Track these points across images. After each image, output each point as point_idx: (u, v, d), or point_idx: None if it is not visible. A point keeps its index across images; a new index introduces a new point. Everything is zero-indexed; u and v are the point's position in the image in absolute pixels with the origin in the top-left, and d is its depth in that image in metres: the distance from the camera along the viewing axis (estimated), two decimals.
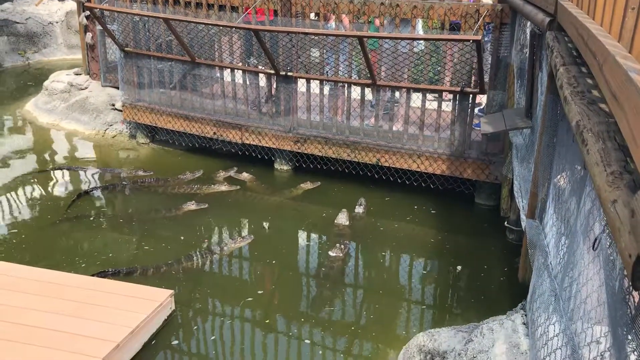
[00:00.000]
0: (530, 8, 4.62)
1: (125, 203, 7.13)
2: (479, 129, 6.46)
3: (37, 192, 7.30)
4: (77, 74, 10.03)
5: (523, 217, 4.87)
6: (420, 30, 7.41)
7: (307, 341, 4.66)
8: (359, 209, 6.73)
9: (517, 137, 5.68)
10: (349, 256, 5.95)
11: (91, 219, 6.55)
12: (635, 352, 1.97)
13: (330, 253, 5.83)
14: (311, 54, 7.28)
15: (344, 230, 6.31)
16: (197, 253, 5.71)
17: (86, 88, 9.76)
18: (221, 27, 7.57)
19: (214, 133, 8.13)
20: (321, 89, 7.34)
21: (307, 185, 7.34)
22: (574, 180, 3.39)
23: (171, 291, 4.79)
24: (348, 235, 6.23)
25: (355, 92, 7.23)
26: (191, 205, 6.68)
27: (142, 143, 8.86)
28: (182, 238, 6.09)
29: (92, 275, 5.19)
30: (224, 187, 7.12)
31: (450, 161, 6.82)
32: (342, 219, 6.45)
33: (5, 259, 5.41)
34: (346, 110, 7.32)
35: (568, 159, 3.55)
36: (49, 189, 7.40)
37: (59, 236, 6.16)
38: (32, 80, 11.98)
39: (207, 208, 6.68)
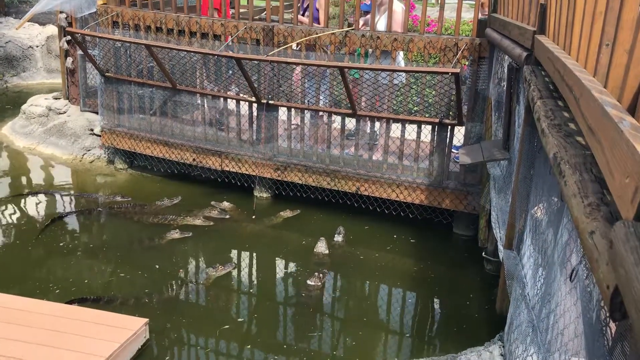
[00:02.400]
0: (508, 42, 4.73)
1: (102, 230, 7.02)
2: (457, 161, 6.54)
3: (11, 216, 7.17)
4: (56, 98, 9.94)
5: (501, 247, 4.91)
6: (401, 62, 7.52)
7: None
8: (338, 238, 6.72)
9: (494, 168, 5.75)
10: (328, 285, 5.91)
11: (66, 245, 6.43)
12: None
13: (309, 282, 5.79)
14: (293, 82, 7.34)
15: (323, 258, 6.28)
16: (177, 282, 5.64)
17: (65, 112, 9.67)
18: (203, 55, 7.61)
19: (194, 159, 8.09)
20: (302, 118, 7.38)
21: (287, 214, 7.31)
22: (551, 211, 3.43)
23: (146, 320, 4.70)
24: (327, 263, 6.21)
25: (336, 121, 7.28)
26: (175, 234, 6.61)
27: (120, 168, 8.77)
28: (157, 267, 6.00)
29: (71, 301, 5.10)
30: (198, 221, 7.00)
31: (429, 191, 6.87)
32: (322, 247, 6.42)
33: None
34: (327, 139, 7.36)
35: (545, 190, 3.60)
36: (23, 213, 7.27)
37: (32, 262, 6.03)
38: (9, 104, 11.83)
39: (190, 237, 6.61)
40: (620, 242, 1.10)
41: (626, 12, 1.87)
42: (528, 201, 4.12)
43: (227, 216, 7.19)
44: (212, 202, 7.52)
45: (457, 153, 6.56)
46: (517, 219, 4.34)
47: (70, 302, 5.12)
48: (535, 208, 3.88)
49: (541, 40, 3.52)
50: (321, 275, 5.88)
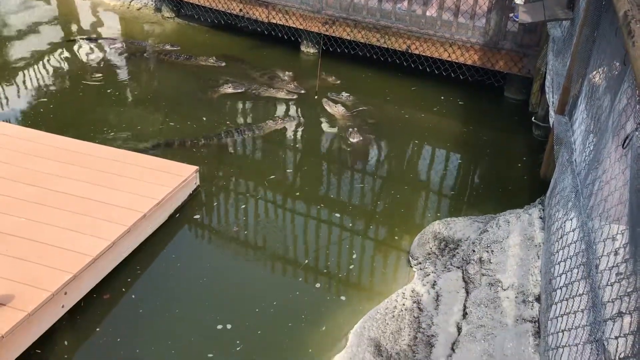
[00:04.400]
0: None
1: (153, 78, 7.12)
2: (517, 20, 6.17)
3: (65, 61, 7.29)
4: None
5: (552, 113, 4.78)
6: None
7: (325, 222, 4.80)
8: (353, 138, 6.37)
9: (555, 29, 5.44)
10: (372, 143, 5.96)
11: (118, 91, 6.59)
12: None
13: (351, 139, 5.85)
14: None
15: (368, 118, 6.28)
16: (230, 132, 5.79)
17: None
18: None
19: (240, 10, 7.89)
20: None
21: (332, 80, 7.10)
22: (610, 76, 3.27)
23: (196, 167, 4.90)
24: (374, 123, 6.21)
25: None
26: (228, 88, 6.63)
27: (168, 17, 8.67)
28: (209, 117, 6.13)
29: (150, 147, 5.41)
30: (281, 94, 6.68)
31: (483, 51, 6.60)
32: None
33: (34, 127, 5.51)
34: None
35: (608, 53, 3.41)
36: (76, 58, 7.38)
37: (86, 107, 6.23)
38: None
39: (241, 92, 6.65)
40: None
41: None
42: (587, 65, 3.93)
43: (302, 91, 6.76)
44: (278, 73, 7.20)
45: (516, 12, 6.18)
46: (574, 84, 4.17)
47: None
48: (594, 72, 3.70)
49: None
50: (361, 133, 5.92)
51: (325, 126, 6.07)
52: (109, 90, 6.56)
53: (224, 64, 7.27)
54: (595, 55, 3.76)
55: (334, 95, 6.60)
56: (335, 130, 6.04)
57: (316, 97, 6.55)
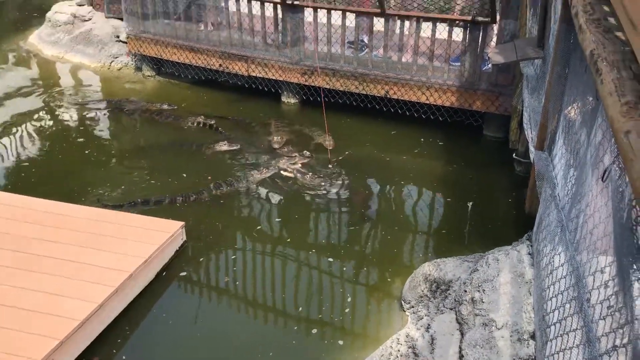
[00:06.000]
0: None
1: (147, 135, 7.12)
2: (489, 60, 6.33)
3: (47, 124, 7.30)
4: (79, 5, 9.81)
5: (532, 148, 4.85)
6: None
7: (316, 268, 4.77)
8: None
9: (528, 67, 5.57)
10: (356, 186, 5.98)
11: (106, 150, 6.59)
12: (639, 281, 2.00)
13: (336, 183, 5.88)
14: None
15: (347, 162, 6.33)
16: (214, 185, 5.78)
17: (90, 19, 9.57)
18: None
19: (220, 65, 8.02)
20: (329, 19, 7.16)
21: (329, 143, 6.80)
22: (585, 111, 3.34)
23: (182, 222, 4.87)
24: (353, 165, 6.25)
25: (364, 22, 7.06)
26: (223, 146, 6.63)
27: (148, 75, 8.77)
28: (198, 172, 6.13)
29: (115, 206, 5.32)
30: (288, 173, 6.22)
31: (460, 92, 6.74)
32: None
33: (15, 191, 5.47)
34: (355, 41, 7.17)
35: (580, 89, 3.49)
36: (59, 121, 7.39)
37: (70, 168, 6.21)
38: (35, 12, 11.73)
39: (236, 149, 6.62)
40: None
41: None
42: (562, 101, 4.02)
43: (304, 157, 6.45)
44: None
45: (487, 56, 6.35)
46: (550, 120, 4.26)
47: (113, 207, 5.32)
48: (569, 108, 3.78)
49: None
50: (345, 178, 5.97)
51: (309, 176, 6.08)
52: (93, 151, 6.56)
53: (213, 121, 7.25)
54: (569, 91, 3.85)
55: (299, 153, 6.51)
56: (320, 176, 6.06)
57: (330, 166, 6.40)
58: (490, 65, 6.44)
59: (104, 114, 7.58)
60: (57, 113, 7.60)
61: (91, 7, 9.75)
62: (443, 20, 6.67)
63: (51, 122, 7.37)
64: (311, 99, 7.63)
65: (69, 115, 7.52)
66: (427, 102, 6.93)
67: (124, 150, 6.74)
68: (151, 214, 5.12)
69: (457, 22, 6.56)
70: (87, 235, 4.62)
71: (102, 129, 7.23)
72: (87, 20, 9.58)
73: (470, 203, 5.69)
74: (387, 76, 7.02)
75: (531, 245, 4.22)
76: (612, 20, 2.37)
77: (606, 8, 2.54)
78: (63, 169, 6.21)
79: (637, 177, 1.23)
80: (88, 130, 7.12)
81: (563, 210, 3.42)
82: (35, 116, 7.47)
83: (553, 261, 3.30)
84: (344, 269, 4.76)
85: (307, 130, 7.09)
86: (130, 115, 7.48)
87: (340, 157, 6.44)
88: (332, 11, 7.10)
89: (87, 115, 7.51)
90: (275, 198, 5.77)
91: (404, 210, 5.69)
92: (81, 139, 6.85)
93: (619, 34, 2.17)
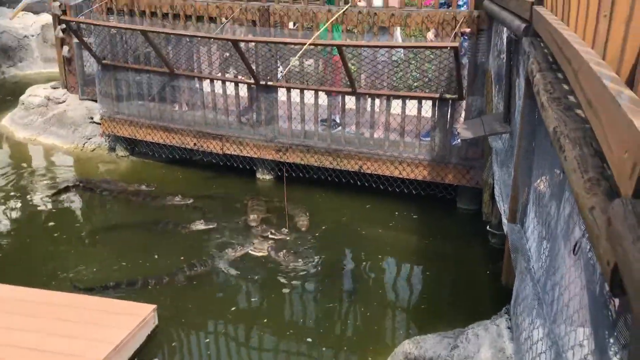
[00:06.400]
0: (507, 14, 4.68)
1: (123, 216, 7.03)
2: (458, 136, 6.50)
3: (18, 206, 7.18)
4: (54, 88, 9.92)
5: (505, 221, 4.90)
6: (399, 38, 7.44)
7: (293, 351, 4.63)
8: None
9: (496, 141, 5.73)
10: (331, 262, 5.93)
11: (79, 232, 6.47)
12: (617, 355, 1.99)
13: (313, 260, 5.82)
14: (291, 62, 7.28)
15: (323, 237, 6.30)
16: (187, 266, 5.66)
17: (64, 101, 9.65)
18: (199, 39, 7.55)
19: (195, 144, 8.08)
20: (302, 98, 7.34)
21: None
22: (553, 184, 3.42)
23: (154, 306, 4.73)
24: (329, 243, 6.22)
25: (336, 100, 7.25)
26: (199, 225, 6.55)
27: (122, 156, 8.78)
28: (174, 253, 6.03)
29: (86, 289, 5.16)
30: (262, 253, 6.12)
31: (432, 166, 6.86)
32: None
33: None
34: (328, 119, 7.33)
35: (547, 163, 3.58)
36: (29, 204, 7.28)
37: (41, 251, 6.06)
38: (8, 95, 11.81)
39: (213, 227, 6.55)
40: (619, 220, 1.09)
41: None
42: (530, 174, 4.11)
43: (279, 235, 6.38)
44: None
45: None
46: (520, 192, 4.33)
47: (86, 291, 5.17)
48: (538, 181, 3.86)
49: (539, 12, 3.48)
50: (319, 255, 5.92)
51: (284, 253, 6.01)
52: (63, 234, 6.44)
53: (190, 200, 7.21)
54: (537, 164, 3.95)
55: (275, 231, 6.47)
56: (296, 254, 6.00)
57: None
58: (459, 140, 6.59)
59: (76, 195, 7.50)
60: (27, 196, 7.50)
61: (65, 89, 9.86)
62: (412, 98, 6.88)
63: (20, 205, 7.25)
64: (286, 174, 7.68)
65: (39, 198, 7.41)
66: (400, 176, 7.03)
67: (96, 232, 6.62)
68: (123, 297, 4.98)
69: (426, 99, 6.77)
70: (56, 322, 4.45)
71: (74, 211, 7.14)
72: (61, 103, 9.65)
73: (443, 273, 5.67)
74: (360, 152, 7.14)
75: (510, 319, 4.18)
76: (572, 98, 2.47)
77: (566, 87, 2.65)
78: (32, 253, 6.06)
79: (604, 254, 1.24)
80: (59, 213, 7.02)
81: (539, 282, 3.42)
82: (4, 199, 7.36)
83: (532, 335, 3.27)
84: (323, 349, 4.64)
85: (283, 206, 7.09)
86: (105, 196, 7.40)
87: (317, 234, 6.42)
88: (305, 90, 7.29)
89: (59, 197, 7.42)
90: (251, 277, 5.68)
91: (382, 286, 5.63)
92: (52, 222, 6.73)
93: (579, 111, 2.25)
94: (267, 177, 7.90)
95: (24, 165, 8.63)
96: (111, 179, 7.96)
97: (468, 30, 6.46)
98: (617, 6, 1.85)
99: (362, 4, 7.18)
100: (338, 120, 7.43)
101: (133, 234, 6.49)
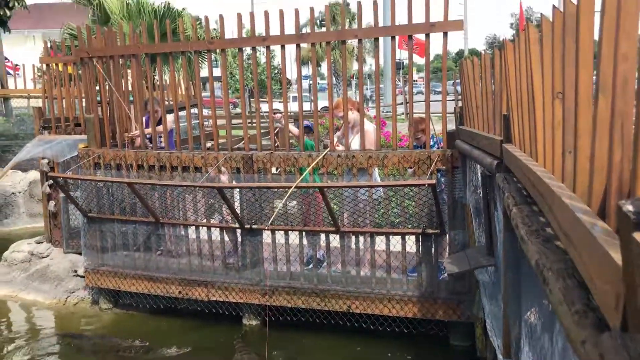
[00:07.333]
0: (478, 152, 4.90)
1: None
2: (444, 270, 6.51)
3: None
4: (38, 242, 9.90)
5: (500, 357, 4.77)
6: (377, 177, 7.71)
7: None
8: None
9: (482, 274, 5.73)
10: None
11: None
12: None
13: None
14: (274, 205, 7.43)
15: None
16: None
17: (47, 256, 9.59)
18: (185, 187, 7.74)
19: (179, 292, 7.95)
20: (287, 239, 7.40)
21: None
22: (543, 315, 3.39)
23: None
24: None
25: (321, 239, 7.31)
26: None
27: (105, 308, 8.57)
28: None
29: None
30: None
31: (421, 303, 6.77)
32: None
33: None
34: (313, 258, 7.34)
35: (535, 293, 3.57)
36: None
37: None
38: None
39: None
40: (611, 355, 1.10)
41: (582, 122, 1.98)
42: (520, 306, 4.07)
43: None
44: None
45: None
46: (512, 326, 4.26)
47: None
48: (528, 313, 3.83)
49: (509, 149, 3.66)
50: None
51: None
52: None
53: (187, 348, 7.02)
54: (525, 295, 3.93)
55: None
56: None
57: None
58: (447, 275, 6.60)
59: (55, 353, 7.20)
60: (2, 354, 7.19)
61: (50, 243, 9.84)
62: (395, 234, 6.97)
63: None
64: (273, 319, 7.50)
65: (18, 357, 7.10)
66: (390, 314, 6.91)
67: None
68: None
69: (409, 234, 6.87)
70: None
71: None
72: (44, 257, 9.58)
73: None
74: (348, 290, 7.07)
75: None
76: (549, 230, 2.54)
77: (542, 219, 2.73)
78: None
79: None
80: None
81: None
82: None
83: None
84: None
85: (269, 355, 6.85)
86: (93, 353, 7.12)
87: None
88: (290, 231, 7.37)
89: (38, 353, 7.11)
90: None
91: None
92: None
93: (558, 242, 2.31)
94: (254, 322, 7.71)
95: (1, 324, 8.36)
96: (99, 333, 7.71)
97: (444, 167, 6.74)
98: (579, 143, 1.98)
99: (340, 148, 7.51)
100: (322, 258, 7.44)
101: None
